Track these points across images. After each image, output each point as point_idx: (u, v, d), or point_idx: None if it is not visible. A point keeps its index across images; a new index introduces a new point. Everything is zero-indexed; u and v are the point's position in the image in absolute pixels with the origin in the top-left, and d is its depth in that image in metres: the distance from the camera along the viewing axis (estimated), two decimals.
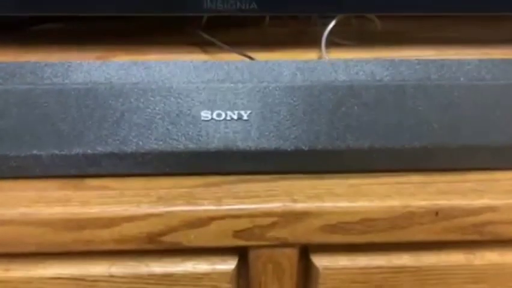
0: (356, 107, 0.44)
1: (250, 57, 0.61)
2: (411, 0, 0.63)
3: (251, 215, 0.43)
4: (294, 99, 0.44)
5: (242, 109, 0.44)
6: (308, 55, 0.65)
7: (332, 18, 0.66)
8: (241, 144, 0.44)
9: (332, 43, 0.66)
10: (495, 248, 0.48)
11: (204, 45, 0.65)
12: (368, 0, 0.63)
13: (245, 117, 0.44)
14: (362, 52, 0.67)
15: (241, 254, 0.47)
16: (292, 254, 0.47)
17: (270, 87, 0.44)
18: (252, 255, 0.46)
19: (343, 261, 0.48)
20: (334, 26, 0.66)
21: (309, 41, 0.65)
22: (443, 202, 0.44)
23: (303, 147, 0.44)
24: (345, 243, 0.46)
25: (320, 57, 0.64)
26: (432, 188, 0.45)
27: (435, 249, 0.48)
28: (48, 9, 0.60)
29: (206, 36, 0.65)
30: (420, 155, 0.45)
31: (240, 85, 0.44)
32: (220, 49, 0.63)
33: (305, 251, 0.48)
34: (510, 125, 0.45)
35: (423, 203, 0.44)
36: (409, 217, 0.44)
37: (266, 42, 0.68)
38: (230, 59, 0.61)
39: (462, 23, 0.73)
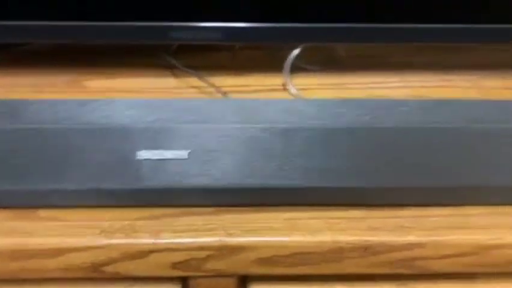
0: (289, 148, 0.47)
1: (213, 85, 0.64)
2: (374, 30, 0.65)
3: (187, 249, 0.46)
4: (233, 139, 0.47)
5: (183, 148, 0.46)
6: (273, 80, 0.68)
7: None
8: (180, 182, 0.46)
9: (298, 68, 0.68)
10: (425, 280, 0.51)
11: (173, 69, 0.68)
12: (331, 31, 0.65)
13: (185, 156, 0.46)
14: (327, 78, 0.69)
15: (184, 282, 0.50)
16: (231, 283, 0.50)
17: (210, 128, 0.47)
18: (192, 284, 0.49)
19: None
20: (301, 51, 0.68)
21: (276, 65, 0.67)
22: (371, 238, 0.47)
23: (240, 184, 0.47)
24: (279, 274, 0.48)
25: (284, 84, 0.66)
26: (363, 224, 0.48)
27: (367, 280, 0.50)
28: (16, 36, 0.63)
29: (173, 61, 0.68)
30: (353, 193, 0.48)
31: (182, 125, 0.47)
32: (188, 73, 0.65)
33: (243, 281, 0.50)
34: (438, 167, 0.47)
35: (352, 238, 0.47)
36: (339, 252, 0.47)
37: (235, 66, 0.70)
38: (194, 84, 0.64)
39: (426, 48, 0.74)
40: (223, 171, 0.46)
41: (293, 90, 0.66)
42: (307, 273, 0.48)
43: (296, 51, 0.68)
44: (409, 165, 0.48)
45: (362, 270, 0.48)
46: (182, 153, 0.46)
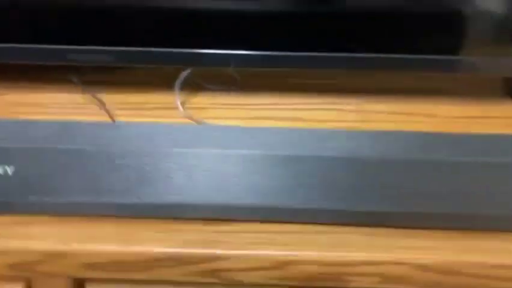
0: (111, 167, 0.54)
1: (100, 101, 0.71)
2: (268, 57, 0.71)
3: (21, 253, 0.53)
4: (61, 158, 0.54)
5: (6, 164, 0.53)
6: (169, 99, 0.74)
7: None
8: (11, 198, 0.54)
9: (199, 87, 0.75)
10: None
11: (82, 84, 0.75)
12: (222, 56, 0.71)
13: (9, 173, 0.54)
14: (223, 98, 0.75)
15: (27, 281, 0.57)
16: (69, 283, 0.57)
17: (37, 147, 0.54)
18: (34, 282, 0.57)
19: None
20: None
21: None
22: (183, 250, 0.53)
23: (67, 199, 0.54)
24: (109, 278, 0.55)
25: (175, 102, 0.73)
26: (179, 237, 0.54)
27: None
28: None
29: (74, 79, 0.75)
30: (175, 209, 0.55)
31: (11, 144, 0.54)
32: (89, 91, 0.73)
33: (81, 282, 0.58)
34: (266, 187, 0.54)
35: (166, 250, 0.53)
36: (153, 261, 0.53)
37: (135, 84, 0.77)
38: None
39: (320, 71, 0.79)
40: (47, 188, 0.53)
41: (182, 109, 0.72)
42: (130, 278, 0.54)
43: (186, 72, 0.73)
44: (229, 184, 0.54)
45: (176, 279, 0.54)
46: (7, 169, 0.53)
